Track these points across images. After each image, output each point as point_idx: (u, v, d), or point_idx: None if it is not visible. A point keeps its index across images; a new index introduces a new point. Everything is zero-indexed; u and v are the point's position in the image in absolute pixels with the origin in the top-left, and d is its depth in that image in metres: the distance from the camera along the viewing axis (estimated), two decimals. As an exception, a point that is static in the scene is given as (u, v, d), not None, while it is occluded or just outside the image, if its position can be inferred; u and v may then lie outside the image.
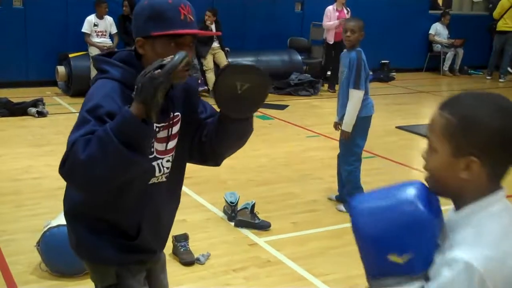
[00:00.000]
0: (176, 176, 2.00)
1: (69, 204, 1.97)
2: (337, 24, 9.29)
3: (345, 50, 4.58)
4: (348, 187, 4.58)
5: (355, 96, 4.39)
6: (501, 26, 11.39)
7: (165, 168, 1.91)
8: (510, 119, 1.23)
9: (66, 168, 1.64)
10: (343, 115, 4.49)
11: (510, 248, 1.22)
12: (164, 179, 1.93)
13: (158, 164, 1.89)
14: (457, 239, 1.25)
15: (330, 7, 9.59)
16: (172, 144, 1.92)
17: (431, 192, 1.33)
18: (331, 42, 9.59)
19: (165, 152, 1.91)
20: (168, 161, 1.92)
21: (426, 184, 1.33)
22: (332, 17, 9.53)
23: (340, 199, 4.72)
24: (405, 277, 1.28)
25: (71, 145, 1.63)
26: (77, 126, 1.69)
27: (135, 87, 1.62)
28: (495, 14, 11.51)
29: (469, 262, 1.17)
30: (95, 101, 1.70)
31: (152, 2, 1.77)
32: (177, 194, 2.07)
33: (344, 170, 4.61)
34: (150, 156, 1.83)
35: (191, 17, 1.77)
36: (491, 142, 1.22)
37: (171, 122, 1.89)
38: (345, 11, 9.56)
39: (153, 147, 1.85)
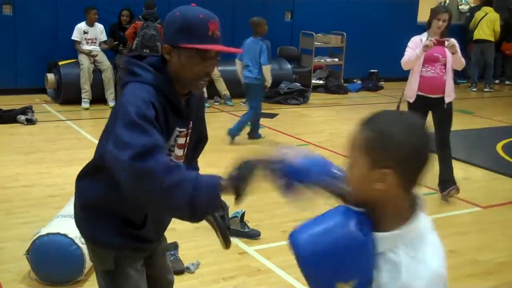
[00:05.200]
0: None
1: (87, 191, 2.05)
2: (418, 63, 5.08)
3: None
4: None
5: None
6: (476, 35, 11.42)
7: None
8: (420, 135, 1.38)
9: (146, 167, 1.68)
10: None
11: (438, 259, 1.38)
12: None
13: None
14: (391, 258, 1.36)
15: (416, 38, 5.25)
16: (184, 152, 2.05)
17: (359, 211, 1.42)
18: (410, 100, 5.21)
19: (178, 157, 2.03)
20: None
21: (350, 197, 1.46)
22: (415, 54, 5.08)
23: None
24: None
25: (142, 147, 1.69)
26: (131, 128, 1.73)
27: (237, 175, 1.79)
28: (471, 24, 11.62)
29: (420, 286, 1.31)
30: (139, 105, 1.77)
31: (184, 15, 1.88)
32: None
33: None
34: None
35: (218, 33, 1.91)
36: (403, 155, 1.35)
37: (189, 129, 2.02)
38: (447, 44, 4.96)
39: (173, 151, 1.98)
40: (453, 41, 5.00)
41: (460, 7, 13.63)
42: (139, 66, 1.92)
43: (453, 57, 5.01)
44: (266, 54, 6.89)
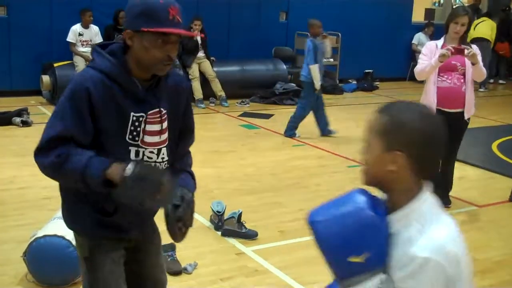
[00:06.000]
0: (165, 166, 2.11)
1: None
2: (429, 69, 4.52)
3: None
4: None
5: None
6: (474, 34, 11.22)
7: (145, 157, 2.05)
8: (429, 122, 1.51)
9: (41, 168, 1.95)
10: None
11: (447, 233, 1.49)
12: None
13: (137, 150, 2.02)
14: (402, 237, 1.48)
15: (431, 44, 4.74)
16: (156, 138, 2.05)
17: (372, 194, 1.55)
18: None
19: (149, 144, 2.04)
20: (151, 152, 2.06)
21: (364, 177, 1.58)
22: (430, 64, 4.54)
23: None
24: (367, 274, 1.48)
25: (48, 141, 1.92)
26: (56, 112, 1.95)
27: (128, 179, 1.83)
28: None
29: (425, 257, 1.42)
30: (72, 90, 1.93)
31: (145, 0, 1.92)
32: None
33: None
34: (133, 142, 2.01)
35: (179, 18, 1.93)
36: (415, 140, 1.48)
37: (157, 117, 2.03)
38: (467, 52, 4.39)
39: (139, 137, 2.01)
40: (475, 49, 4.48)
41: (454, 7, 13.69)
42: (97, 53, 2.00)
43: (473, 67, 4.49)
44: (311, 54, 7.12)
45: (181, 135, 2.18)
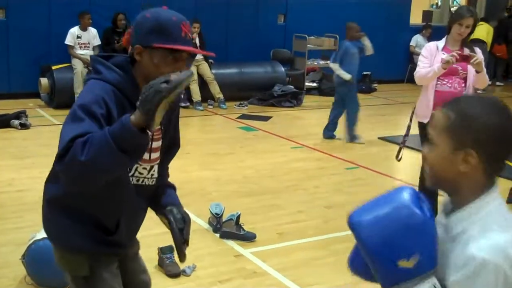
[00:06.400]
0: (153, 182, 2.10)
1: (51, 192, 2.02)
2: (433, 72, 4.24)
3: None
4: None
5: None
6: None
7: (137, 173, 2.02)
8: (505, 117, 1.36)
9: (65, 166, 1.72)
10: None
11: (510, 237, 1.34)
12: (136, 182, 2.03)
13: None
14: (464, 237, 1.36)
15: (431, 45, 4.45)
16: (156, 155, 2.04)
17: (426, 192, 1.45)
18: (423, 120, 4.34)
19: (146, 161, 2.01)
20: (144, 168, 2.03)
21: (428, 180, 1.46)
22: (433, 62, 4.33)
23: None
24: (416, 279, 1.37)
25: (68, 143, 1.70)
26: (71, 121, 1.77)
27: (140, 97, 1.69)
28: None
29: (483, 257, 1.29)
30: (87, 100, 1.81)
31: (157, 16, 1.89)
32: (149, 198, 2.16)
33: None
34: None
35: (190, 35, 1.92)
36: (487, 137, 1.34)
37: (158, 133, 2.01)
38: (473, 60, 4.14)
39: None
40: (478, 52, 4.26)
41: (452, 9, 13.73)
42: (102, 64, 1.93)
43: (476, 75, 4.23)
44: (334, 54, 7.64)
45: (168, 147, 2.14)
